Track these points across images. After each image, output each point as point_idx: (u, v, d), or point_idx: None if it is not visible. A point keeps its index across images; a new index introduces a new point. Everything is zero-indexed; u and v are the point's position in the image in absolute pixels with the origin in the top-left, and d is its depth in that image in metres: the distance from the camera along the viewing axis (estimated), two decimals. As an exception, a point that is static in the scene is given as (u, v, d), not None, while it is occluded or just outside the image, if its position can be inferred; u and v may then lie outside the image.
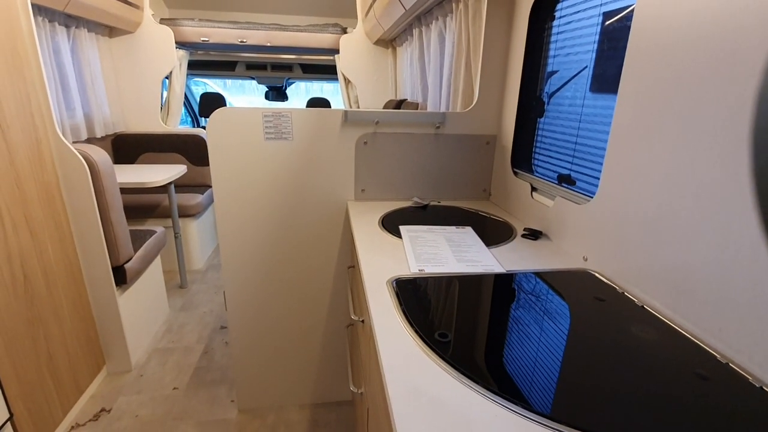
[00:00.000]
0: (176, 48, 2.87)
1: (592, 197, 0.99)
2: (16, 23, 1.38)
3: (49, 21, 2.19)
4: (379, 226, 1.23)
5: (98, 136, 2.58)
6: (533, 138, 1.33)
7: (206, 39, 2.96)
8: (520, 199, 1.30)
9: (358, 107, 3.28)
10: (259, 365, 1.64)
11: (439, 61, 1.96)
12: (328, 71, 3.77)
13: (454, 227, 1.21)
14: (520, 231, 1.20)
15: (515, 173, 1.37)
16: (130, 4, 2.57)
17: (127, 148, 2.90)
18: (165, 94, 3.18)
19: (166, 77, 3.04)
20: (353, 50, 3.08)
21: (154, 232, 2.18)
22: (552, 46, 1.21)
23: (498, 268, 0.93)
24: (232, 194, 1.41)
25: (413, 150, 1.46)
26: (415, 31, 2.24)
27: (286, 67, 3.73)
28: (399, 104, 2.58)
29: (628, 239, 0.86)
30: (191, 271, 2.94)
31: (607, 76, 0.99)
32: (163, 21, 2.90)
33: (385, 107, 2.84)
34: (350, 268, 1.42)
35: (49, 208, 1.50)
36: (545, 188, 1.20)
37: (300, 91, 4.63)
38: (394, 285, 0.86)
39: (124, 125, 2.92)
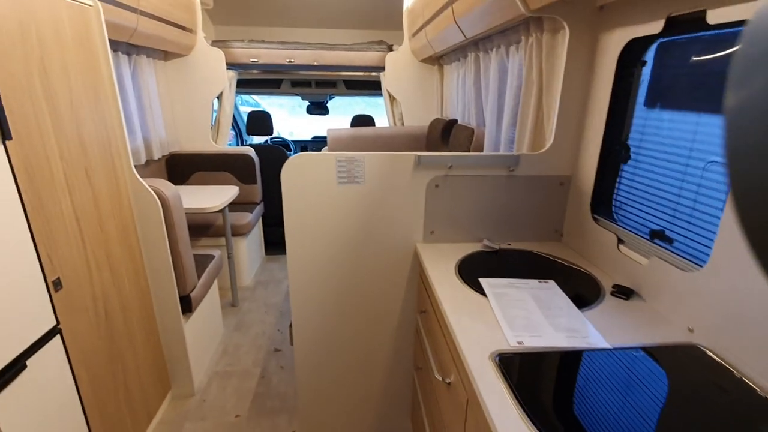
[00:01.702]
0: (227, 69, 2.93)
1: (700, 265, 0.94)
2: (98, 69, 1.44)
3: (113, 51, 2.27)
4: (457, 277, 1.20)
5: (155, 158, 2.67)
6: (615, 184, 1.28)
7: (255, 60, 3.00)
8: (604, 249, 1.25)
9: (402, 124, 3.26)
10: (321, 399, 1.66)
11: (499, 90, 1.91)
12: (371, 87, 3.77)
13: (536, 281, 1.17)
14: (607, 287, 1.15)
15: (595, 219, 1.31)
16: (185, 29, 2.64)
17: (181, 167, 2.99)
18: (215, 113, 3.26)
19: (217, 97, 3.10)
20: (399, 67, 3.06)
21: (213, 256, 2.23)
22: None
23: (602, 343, 0.90)
24: (304, 234, 1.42)
25: (484, 192, 1.43)
26: (471, 55, 2.20)
27: (330, 83, 3.75)
28: (448, 124, 2.54)
29: (748, 315, 0.80)
30: (240, 288, 3.00)
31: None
32: (214, 43, 2.97)
33: (431, 126, 2.81)
34: (422, 313, 1.40)
35: (126, 244, 1.56)
36: (635, 243, 1.15)
37: (336, 105, 4.64)
38: (497, 361, 0.84)
39: (178, 145, 3.01)
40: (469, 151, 2.09)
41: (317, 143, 4.58)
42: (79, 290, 1.30)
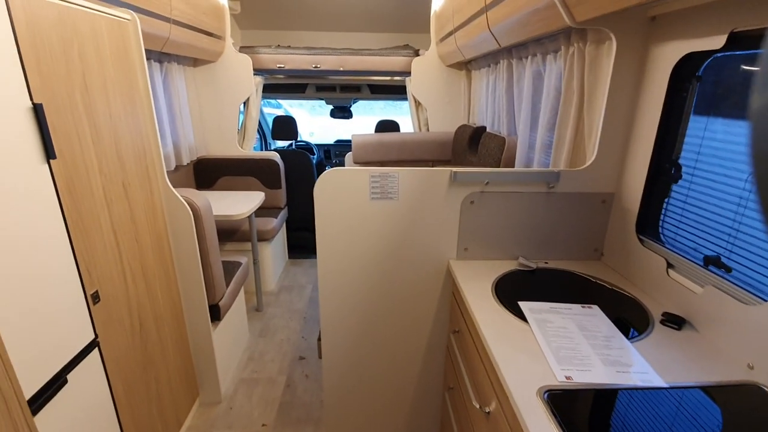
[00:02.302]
0: (254, 74, 2.95)
1: (763, 298, 0.87)
2: (135, 81, 1.45)
3: (146, 59, 2.30)
4: (495, 298, 1.17)
5: (184, 163, 2.70)
6: (663, 204, 1.21)
7: (282, 65, 3.01)
8: (651, 272, 1.19)
9: (428, 129, 3.21)
10: (348, 413, 1.64)
11: (533, 99, 1.86)
12: (396, 91, 3.74)
13: (579, 306, 1.12)
14: (655, 314, 1.09)
15: (641, 240, 1.25)
16: (214, 36, 2.66)
17: (208, 171, 3.02)
18: (241, 117, 3.29)
19: (243, 102, 3.13)
20: (425, 72, 3.02)
21: (240, 263, 2.25)
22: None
23: (657, 380, 0.85)
24: (335, 249, 1.41)
25: (521, 209, 1.38)
26: (503, 62, 2.14)
27: (355, 87, 3.73)
28: (476, 132, 2.49)
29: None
30: (265, 293, 3.02)
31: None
32: (242, 49, 2.99)
33: (458, 132, 2.76)
34: (455, 332, 1.37)
35: (159, 255, 1.57)
36: (687, 269, 1.09)
37: (358, 108, 4.62)
38: (546, 398, 0.80)
39: (205, 150, 3.05)
40: (500, 160, 2.04)
41: (340, 147, 4.57)
42: (116, 302, 1.31)
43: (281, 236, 3.33)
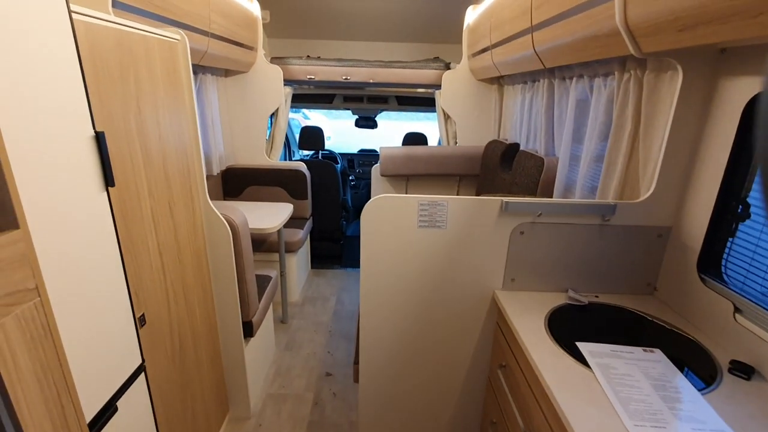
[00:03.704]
0: (284, 85, 2.95)
1: None
2: (182, 100, 1.45)
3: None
4: (549, 336, 1.13)
5: (215, 173, 2.71)
6: (728, 243, 1.16)
7: (312, 76, 3.01)
8: (715, 315, 1.14)
9: (456, 143, 3.18)
10: (383, 440, 1.61)
11: (576, 122, 1.81)
12: (424, 103, 3.71)
13: (640, 350, 1.08)
14: (722, 362, 1.04)
15: (703, 279, 1.20)
16: (246, 47, 2.67)
17: (235, 181, 3.03)
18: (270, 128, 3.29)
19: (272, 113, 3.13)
20: (455, 86, 2.99)
21: (270, 278, 2.24)
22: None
23: (740, 444, 0.80)
24: (380, 275, 1.39)
25: (573, 240, 1.34)
26: (543, 81, 2.10)
27: (382, 99, 3.72)
28: (510, 148, 2.45)
29: None
30: (289, 304, 3.01)
31: None
32: (273, 60, 2.99)
33: (488, 147, 2.72)
34: (501, 367, 1.33)
35: (198, 273, 1.57)
36: (757, 315, 1.03)
37: (381, 117, 4.61)
38: (623, 460, 0.76)
39: (234, 159, 3.06)
40: (538, 181, 1.99)
41: (364, 156, 4.56)
42: (159, 323, 1.31)
43: (306, 246, 3.32)
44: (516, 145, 2.45)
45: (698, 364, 1.03)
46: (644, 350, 1.08)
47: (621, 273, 1.37)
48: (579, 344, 1.09)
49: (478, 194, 2.82)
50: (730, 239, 1.15)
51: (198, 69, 2.47)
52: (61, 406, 0.72)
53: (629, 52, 1.16)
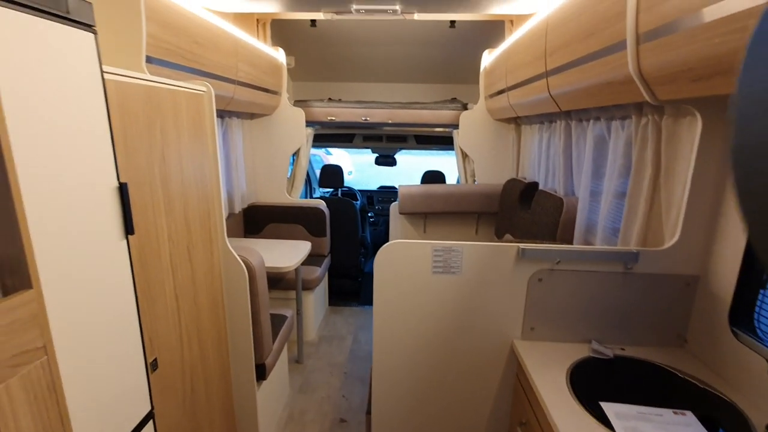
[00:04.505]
0: (305, 126, 3.05)
1: None
2: (206, 147, 1.51)
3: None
4: (571, 395, 1.06)
5: (236, 211, 2.78)
6: (759, 295, 1.09)
7: (333, 118, 3.11)
8: (748, 372, 1.05)
9: (474, 181, 3.18)
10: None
11: (595, 163, 1.78)
12: (442, 142, 3.77)
13: (670, 412, 1.00)
14: (757, 424, 0.95)
15: (734, 332, 1.12)
16: (271, 92, 2.80)
17: (257, 218, 3.09)
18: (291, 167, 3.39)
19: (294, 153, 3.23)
20: (473, 125, 3.03)
21: (286, 317, 2.23)
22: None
23: None
24: (392, 319, 1.36)
25: (595, 289, 1.28)
26: (560, 122, 2.10)
27: (401, 138, 3.80)
28: (528, 187, 2.42)
29: None
30: (305, 343, 2.98)
31: None
32: (296, 103, 3.12)
33: (507, 186, 2.70)
34: (522, 425, 1.25)
35: (214, 315, 1.57)
36: (803, 378, 0.95)
37: (401, 153, 4.68)
38: None
39: (255, 197, 3.14)
40: (558, 222, 1.95)
41: (383, 193, 4.61)
42: (171, 368, 1.30)
43: (323, 283, 3.32)
44: (535, 184, 2.43)
45: (732, 427, 0.94)
46: (675, 413, 0.99)
47: (648, 324, 1.30)
48: (604, 405, 1.02)
49: (496, 232, 2.78)
50: (762, 290, 1.08)
51: (224, 113, 2.59)
52: (64, 462, 0.72)
53: (644, 99, 1.15)
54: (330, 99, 3.21)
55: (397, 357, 1.38)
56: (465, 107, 3.09)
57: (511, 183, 2.69)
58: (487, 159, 3.07)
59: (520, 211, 2.42)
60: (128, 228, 1.02)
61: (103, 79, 0.93)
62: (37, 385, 0.57)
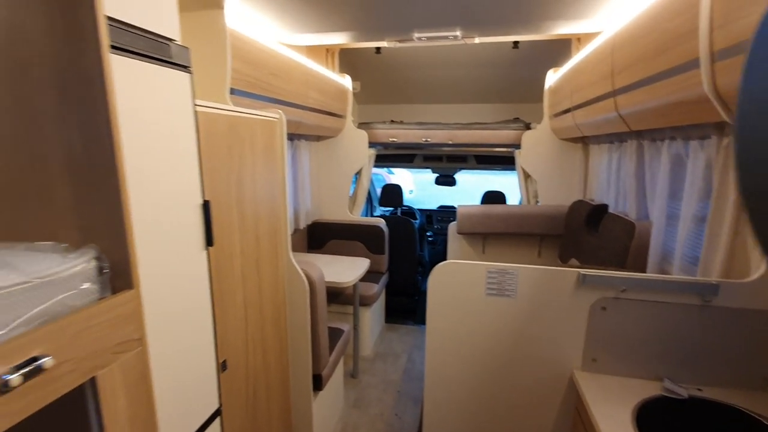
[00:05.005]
0: (368, 147, 3.18)
1: None
2: (276, 169, 1.65)
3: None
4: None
5: (301, 227, 2.95)
6: None
7: (395, 139, 3.21)
8: None
9: (537, 202, 3.08)
10: None
11: (671, 187, 1.66)
12: (503, 162, 3.71)
13: (758, 466, 0.89)
14: None
15: (843, 383, 0.98)
16: (337, 115, 2.97)
17: (319, 234, 3.25)
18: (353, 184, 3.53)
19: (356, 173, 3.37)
20: (536, 145, 2.95)
21: (343, 331, 2.30)
22: None
23: None
24: (445, 339, 1.36)
25: (667, 321, 1.19)
26: (632, 143, 1.98)
27: (461, 158, 3.80)
28: (597, 210, 2.30)
29: None
30: (360, 358, 3.03)
31: None
32: (360, 125, 3.27)
33: (572, 208, 2.58)
34: (581, 462, 1.18)
35: (276, 325, 1.68)
36: None
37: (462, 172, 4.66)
38: None
39: (319, 214, 3.31)
40: (628, 248, 1.83)
41: (443, 212, 4.61)
42: (237, 371, 1.42)
43: (380, 300, 3.37)
44: (604, 206, 2.30)
45: None
46: (764, 469, 0.88)
47: (729, 363, 1.17)
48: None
49: (560, 256, 2.65)
50: None
51: (294, 136, 2.80)
52: (147, 444, 0.82)
53: (722, 119, 1.08)
54: (392, 121, 3.32)
55: (450, 380, 1.37)
56: (528, 127, 3.04)
57: (578, 205, 2.57)
58: (550, 179, 2.97)
59: (586, 234, 2.30)
60: (209, 240, 1.15)
61: (195, 111, 1.08)
62: (132, 371, 0.68)
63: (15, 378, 0.49)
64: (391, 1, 1.82)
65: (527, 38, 2.77)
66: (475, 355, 1.33)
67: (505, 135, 3.07)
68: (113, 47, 0.73)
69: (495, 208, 2.77)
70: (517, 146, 3.06)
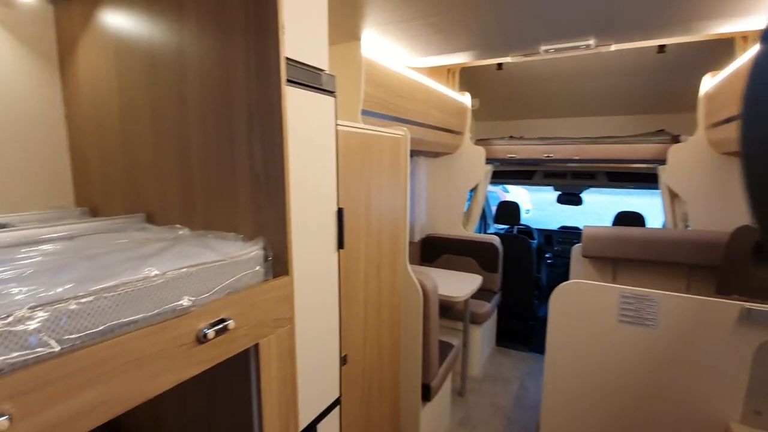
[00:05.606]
0: (485, 163, 3.15)
1: None
2: (399, 181, 1.76)
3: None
4: None
5: (416, 240, 3.04)
6: None
7: (513, 155, 3.12)
8: None
9: (686, 226, 2.66)
10: None
11: None
12: (641, 179, 3.31)
13: None
14: None
15: None
16: (455, 132, 3.02)
17: (432, 248, 3.31)
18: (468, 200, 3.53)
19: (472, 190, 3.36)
20: (687, 160, 2.57)
21: (453, 345, 2.30)
22: None
23: None
24: (567, 367, 1.27)
25: None
26: (823, 157, 1.61)
27: (589, 174, 3.51)
28: (769, 239, 1.89)
29: None
30: (468, 377, 2.96)
31: None
32: (478, 142, 3.27)
33: (736, 235, 2.16)
34: None
35: (391, 328, 1.77)
36: None
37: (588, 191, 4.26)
38: None
39: (433, 228, 3.37)
40: (815, 287, 1.47)
41: (564, 234, 4.27)
42: (355, 366, 1.53)
43: (492, 321, 3.26)
44: (780, 235, 1.89)
45: None
46: None
47: None
48: None
49: (719, 290, 2.24)
50: None
51: (414, 152, 2.93)
52: (286, 416, 0.96)
53: None
54: (511, 137, 3.24)
55: (571, 414, 1.28)
56: (676, 139, 2.66)
57: (744, 231, 2.15)
58: (705, 200, 2.54)
59: (755, 267, 1.92)
60: (340, 243, 1.29)
61: (336, 129, 1.24)
62: (284, 344, 0.81)
63: (211, 332, 0.64)
64: (514, 16, 1.81)
65: (675, 41, 2.46)
66: (604, 388, 1.22)
67: (644, 149, 2.74)
68: (288, 80, 0.90)
69: (630, 231, 2.48)
70: (661, 161, 2.71)
